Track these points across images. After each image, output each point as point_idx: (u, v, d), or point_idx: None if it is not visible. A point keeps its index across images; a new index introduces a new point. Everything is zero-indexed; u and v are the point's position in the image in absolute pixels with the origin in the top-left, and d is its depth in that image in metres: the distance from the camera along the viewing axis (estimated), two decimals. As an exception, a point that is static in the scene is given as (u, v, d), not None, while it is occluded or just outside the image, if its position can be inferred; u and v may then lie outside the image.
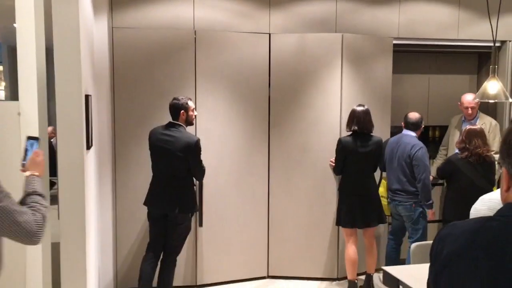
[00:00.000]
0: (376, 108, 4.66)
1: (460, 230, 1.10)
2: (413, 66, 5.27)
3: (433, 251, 1.15)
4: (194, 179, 4.00)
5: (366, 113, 4.11)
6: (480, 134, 4.02)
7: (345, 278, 4.40)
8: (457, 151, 4.18)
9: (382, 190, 4.39)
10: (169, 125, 3.84)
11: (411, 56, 5.17)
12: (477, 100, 3.69)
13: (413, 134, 4.22)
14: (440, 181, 4.65)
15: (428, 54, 5.26)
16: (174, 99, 3.87)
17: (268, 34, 4.47)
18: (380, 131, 4.69)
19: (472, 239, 1.05)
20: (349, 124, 4.15)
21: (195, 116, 3.98)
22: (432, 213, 4.18)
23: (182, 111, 3.83)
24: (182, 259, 4.36)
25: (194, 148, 3.77)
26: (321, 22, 4.58)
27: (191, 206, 3.89)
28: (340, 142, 4.17)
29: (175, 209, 3.76)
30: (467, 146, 3.99)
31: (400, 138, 4.26)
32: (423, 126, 4.33)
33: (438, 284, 1.10)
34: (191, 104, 3.90)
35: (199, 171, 3.90)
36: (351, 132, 4.15)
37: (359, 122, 4.07)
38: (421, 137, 4.44)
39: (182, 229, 3.86)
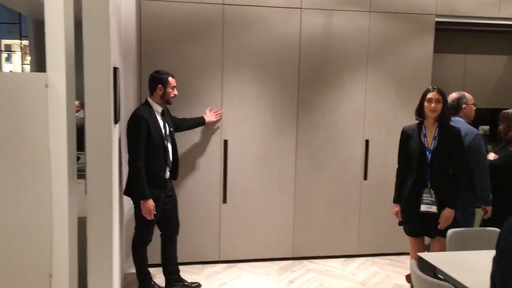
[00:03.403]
0: (414, 90, 4.55)
1: None
2: (448, 45, 5.05)
3: (501, 242, 1.03)
4: (155, 160, 3.56)
5: None
6: None
7: (366, 255, 4.71)
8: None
9: None
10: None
11: (447, 35, 4.95)
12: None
13: (461, 119, 3.67)
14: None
15: (465, 32, 5.02)
16: (155, 71, 3.67)
17: (299, 9, 4.31)
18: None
19: None
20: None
21: (174, 95, 3.66)
22: (490, 210, 3.58)
23: (160, 85, 3.59)
24: (206, 235, 4.35)
25: (127, 123, 3.55)
26: (355, -3, 4.40)
27: (132, 190, 3.55)
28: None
29: (124, 189, 3.67)
30: None
31: None
32: (465, 105, 3.74)
33: (507, 277, 0.99)
34: (171, 80, 3.64)
35: (128, 154, 3.54)
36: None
37: None
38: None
39: (135, 208, 3.60)
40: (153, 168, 3.53)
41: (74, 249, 2.70)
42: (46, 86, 2.60)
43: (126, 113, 4.05)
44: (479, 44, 5.14)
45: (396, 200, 3.54)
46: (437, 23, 4.56)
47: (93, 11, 2.62)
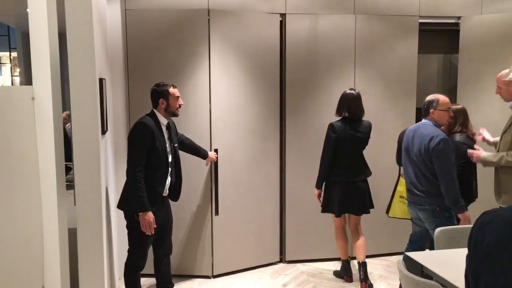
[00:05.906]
0: (400, 90, 4.60)
1: (502, 218, 1.02)
2: (433, 46, 5.11)
3: (472, 240, 1.07)
4: (154, 174, 3.32)
5: (358, 98, 3.95)
6: None
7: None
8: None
9: (401, 190, 3.88)
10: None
11: (431, 35, 5.01)
12: (507, 78, 3.31)
13: (429, 122, 3.49)
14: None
15: (449, 32, 5.08)
16: (155, 85, 3.42)
17: (283, 14, 4.36)
18: (405, 113, 4.63)
19: None
20: (340, 109, 3.99)
21: (180, 105, 3.44)
22: (465, 218, 3.35)
23: (161, 99, 3.36)
24: (198, 249, 4.33)
25: (130, 131, 3.36)
26: (338, 1, 4.45)
27: (129, 204, 3.29)
28: (333, 128, 3.94)
29: (117, 202, 3.46)
30: None
31: (417, 128, 3.56)
32: (433, 110, 3.48)
33: (478, 275, 1.02)
34: (173, 91, 3.38)
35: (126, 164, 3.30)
36: (340, 118, 3.98)
37: (350, 108, 3.92)
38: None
39: (128, 227, 3.39)
40: (152, 183, 3.29)
41: (65, 260, 2.71)
42: (33, 99, 2.61)
43: (114, 123, 4.07)
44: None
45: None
46: (421, 24, 4.62)
47: (77, 22, 2.64)
